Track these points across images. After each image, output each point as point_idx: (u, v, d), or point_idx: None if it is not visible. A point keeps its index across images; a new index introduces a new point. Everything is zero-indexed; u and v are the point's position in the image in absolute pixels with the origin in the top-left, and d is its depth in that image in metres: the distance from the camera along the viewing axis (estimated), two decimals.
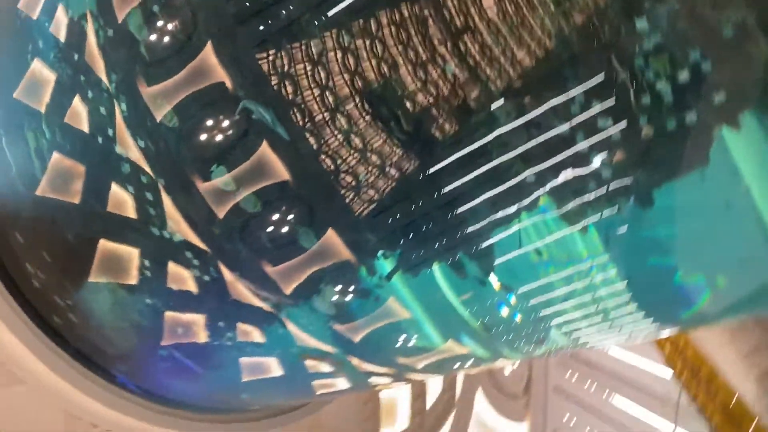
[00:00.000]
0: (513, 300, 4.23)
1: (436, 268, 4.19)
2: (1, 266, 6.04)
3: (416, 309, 4.52)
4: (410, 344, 4.84)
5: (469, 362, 5.21)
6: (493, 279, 4.13)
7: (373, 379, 5.64)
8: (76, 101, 4.65)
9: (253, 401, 7.12)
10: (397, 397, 10.08)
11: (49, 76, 4.85)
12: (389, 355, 5.09)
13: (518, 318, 4.37)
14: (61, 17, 4.67)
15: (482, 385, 11.40)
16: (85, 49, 4.48)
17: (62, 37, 4.66)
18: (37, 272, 5.93)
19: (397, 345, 4.86)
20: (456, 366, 5.28)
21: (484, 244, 3.96)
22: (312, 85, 3.76)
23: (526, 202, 3.73)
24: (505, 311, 4.35)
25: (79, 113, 4.67)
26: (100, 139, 4.61)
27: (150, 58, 4.15)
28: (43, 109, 4.94)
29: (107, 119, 4.49)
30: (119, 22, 4.22)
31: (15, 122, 5.37)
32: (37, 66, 4.98)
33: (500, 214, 3.81)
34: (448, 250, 4.08)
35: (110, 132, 4.52)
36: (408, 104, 3.70)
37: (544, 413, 12.80)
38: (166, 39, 4.08)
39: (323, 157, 3.90)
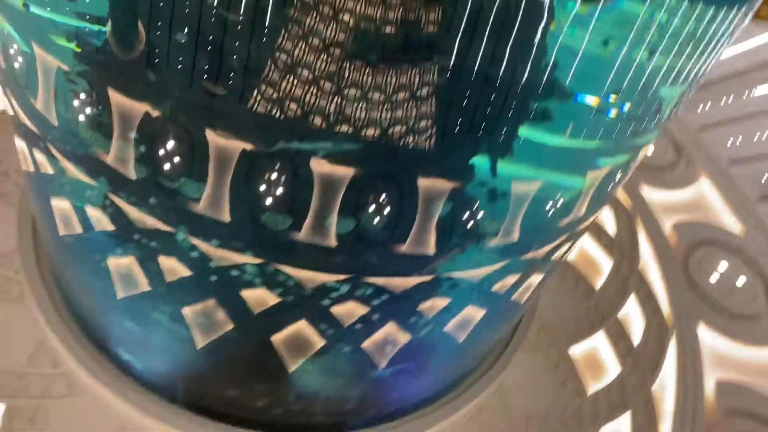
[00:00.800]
0: (612, 98, 4.05)
1: (524, 132, 4.08)
2: (246, 421, 6.60)
3: (540, 174, 4.44)
4: (560, 204, 4.77)
5: (618, 175, 5.07)
6: (580, 98, 3.97)
7: (556, 256, 5.63)
8: (164, 261, 4.92)
9: (479, 353, 7.31)
10: (584, 248, 9.98)
11: (130, 262, 5.14)
12: (552, 227, 5.04)
13: (627, 107, 4.19)
14: (96, 214, 4.93)
15: (641, 180, 11.05)
16: (137, 222, 4.72)
17: (110, 227, 4.92)
18: (265, 402, 6.40)
19: (552, 214, 4.81)
20: (610, 187, 5.16)
21: (545, 78, 3.80)
22: (307, 87, 3.74)
23: (545, 16, 3.55)
24: (613, 112, 4.18)
25: (174, 269, 4.94)
26: (209, 276, 4.87)
27: (180, 186, 4.29)
28: (148, 288, 5.26)
29: (200, 256, 4.73)
30: (134, 179, 4.39)
31: (139, 314, 5.75)
32: (114, 263, 5.28)
33: (536, 45, 3.64)
34: (520, 111, 3.97)
35: (210, 263, 4.75)
36: (388, 29, 3.60)
37: (704, 155, 12.25)
38: (177, 159, 4.20)
39: (363, 131, 3.88)
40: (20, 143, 5.43)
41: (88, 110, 4.30)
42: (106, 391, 6.41)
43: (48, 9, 3.97)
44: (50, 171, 5.03)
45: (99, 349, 6.59)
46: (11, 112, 5.22)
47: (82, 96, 4.25)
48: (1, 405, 6.55)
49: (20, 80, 4.64)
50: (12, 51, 4.47)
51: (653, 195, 10.93)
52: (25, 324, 6.86)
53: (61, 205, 5.25)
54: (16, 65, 4.53)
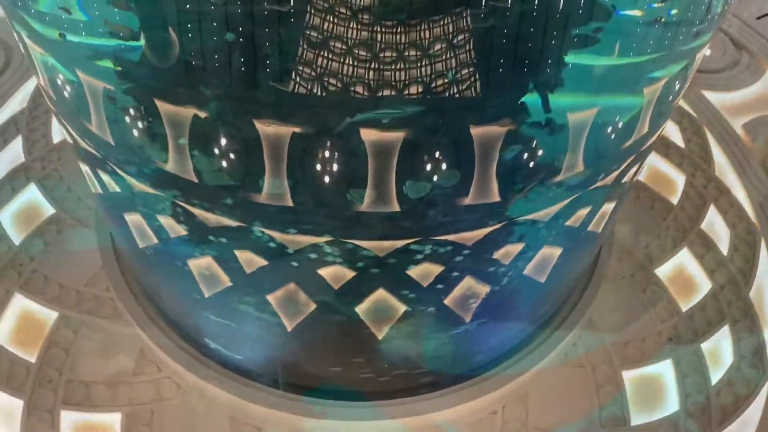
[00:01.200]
0: (656, 5, 3.84)
1: (570, 60, 3.94)
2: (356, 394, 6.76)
3: (595, 100, 4.29)
4: (621, 126, 4.61)
5: (677, 85, 4.85)
6: (623, 12, 3.80)
7: (625, 179, 5.45)
8: (243, 255, 5.06)
9: (564, 290, 7.23)
10: (655, 166, 9.64)
11: (207, 261, 5.31)
12: (616, 151, 4.89)
13: (674, 13, 3.98)
14: (170, 223, 5.09)
15: (702, 86, 10.54)
16: (206, 223, 4.85)
17: (184, 231, 5.09)
18: (367, 373, 6.52)
19: (614, 137, 4.66)
20: (670, 99, 4.94)
21: (583, 2, 3.65)
22: (343, 59, 3.72)
23: None
24: (660, 21, 3.98)
25: (252, 261, 5.07)
26: (287, 261, 4.96)
27: (242, 181, 4.39)
28: (230, 283, 5.44)
29: (276, 245, 4.82)
30: (197, 182, 4.50)
31: (227, 308, 5.95)
32: (194, 264, 5.46)
33: None
34: (563, 39, 3.83)
35: (286, 249, 4.84)
36: None
37: (767, 46, 11.60)
38: (232, 156, 4.28)
39: (406, 90, 3.83)
40: (84, 167, 5.65)
41: (140, 124, 4.42)
42: (212, 387, 6.70)
43: (83, 34, 4.07)
44: (118, 189, 5.22)
45: (197, 347, 6.88)
46: (70, 140, 5.43)
47: (132, 112, 4.37)
48: (118, 414, 6.96)
49: (72, 108, 4.81)
50: (59, 81, 4.62)
51: (717, 99, 10.39)
52: (125, 336, 7.23)
53: (135, 219, 5.45)
54: (66, 94, 4.69)
